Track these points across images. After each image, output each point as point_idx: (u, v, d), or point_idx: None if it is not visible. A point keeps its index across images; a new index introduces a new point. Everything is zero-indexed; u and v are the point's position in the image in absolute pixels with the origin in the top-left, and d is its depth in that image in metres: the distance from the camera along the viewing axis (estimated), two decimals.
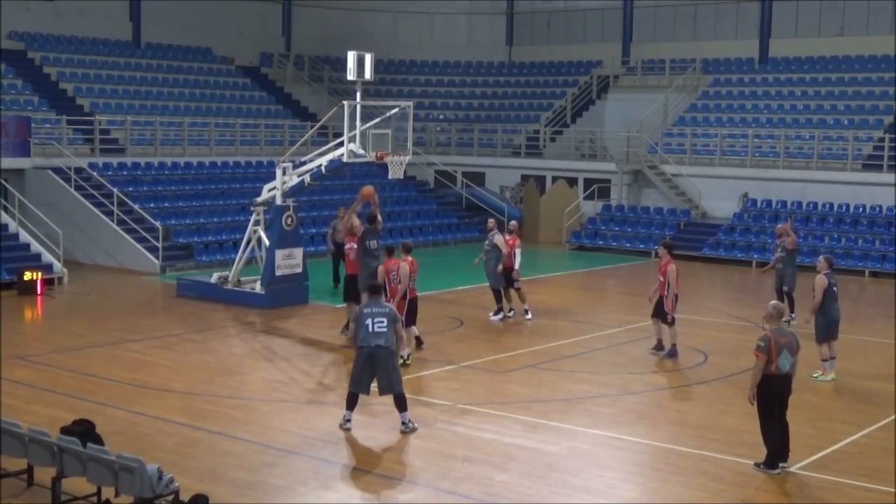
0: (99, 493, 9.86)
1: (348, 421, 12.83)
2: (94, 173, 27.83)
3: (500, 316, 20.21)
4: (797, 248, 21.31)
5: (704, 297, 24.35)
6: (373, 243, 17.96)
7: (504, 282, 20.25)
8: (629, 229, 32.50)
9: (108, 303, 21.96)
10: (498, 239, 20.19)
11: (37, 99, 30.99)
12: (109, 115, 31.60)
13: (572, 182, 35.01)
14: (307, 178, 21.31)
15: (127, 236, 26.30)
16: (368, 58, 20.30)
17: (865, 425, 13.53)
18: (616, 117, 37.81)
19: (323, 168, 21.12)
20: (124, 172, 29.18)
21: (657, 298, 17.38)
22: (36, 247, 24.42)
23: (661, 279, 17.30)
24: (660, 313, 17.35)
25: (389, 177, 20.65)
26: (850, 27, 36.61)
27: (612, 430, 13.15)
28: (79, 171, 27.46)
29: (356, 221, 18.18)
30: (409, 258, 16.55)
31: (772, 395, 11.46)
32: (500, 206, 34.00)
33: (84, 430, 10.44)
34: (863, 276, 27.76)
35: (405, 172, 21.37)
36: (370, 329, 12.54)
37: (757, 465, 11.64)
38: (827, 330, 15.91)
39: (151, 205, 27.84)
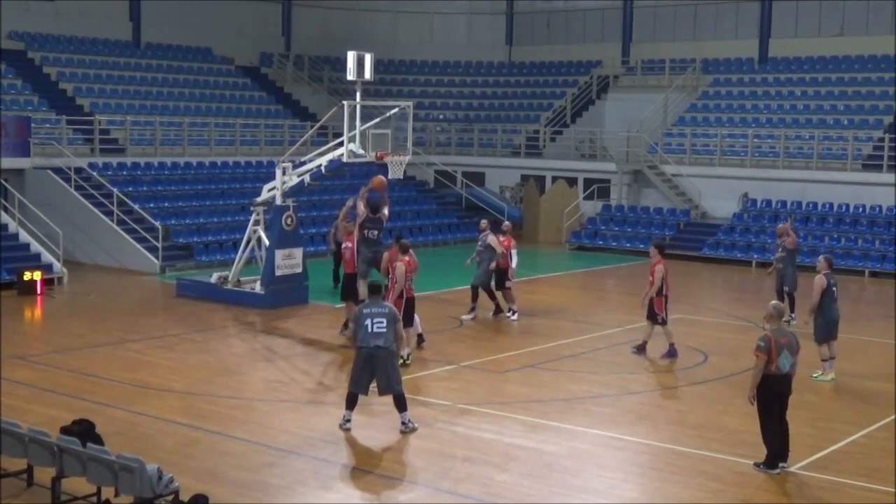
0: (99, 493, 9.86)
1: (348, 421, 12.83)
2: (94, 173, 27.82)
3: (473, 315, 20.16)
4: (797, 248, 21.32)
5: (704, 297, 24.36)
6: (374, 233, 17.99)
7: (492, 281, 20.22)
8: (629, 229, 32.50)
9: (108, 303, 21.96)
10: (491, 239, 20.20)
11: (37, 99, 30.99)
12: (109, 115, 31.60)
13: (572, 182, 35.00)
14: (307, 178, 21.32)
15: (127, 236, 26.30)
16: (368, 58, 20.30)
17: (865, 425, 13.53)
18: (616, 117, 37.80)
19: (323, 168, 21.12)
20: (124, 172, 29.18)
21: (649, 300, 17.37)
22: (36, 247, 24.42)
23: (651, 278, 17.32)
24: (651, 314, 17.36)
25: (389, 177, 20.66)
26: (850, 27, 36.61)
27: (612, 430, 13.15)
28: (79, 171, 27.45)
29: (361, 208, 18.25)
30: (406, 258, 16.54)
31: (772, 395, 11.46)
32: (499, 206, 34.02)
33: (84, 430, 10.44)
34: (863, 276, 27.76)
35: (405, 172, 21.37)
36: (369, 329, 12.53)
37: (757, 465, 11.64)
38: (826, 330, 15.92)
39: (151, 205, 27.84)
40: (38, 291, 22.20)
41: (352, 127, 20.01)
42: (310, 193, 28.51)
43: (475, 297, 20.29)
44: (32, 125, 27.71)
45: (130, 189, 28.16)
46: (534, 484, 11.15)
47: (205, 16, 38.59)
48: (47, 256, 24.18)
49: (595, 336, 19.19)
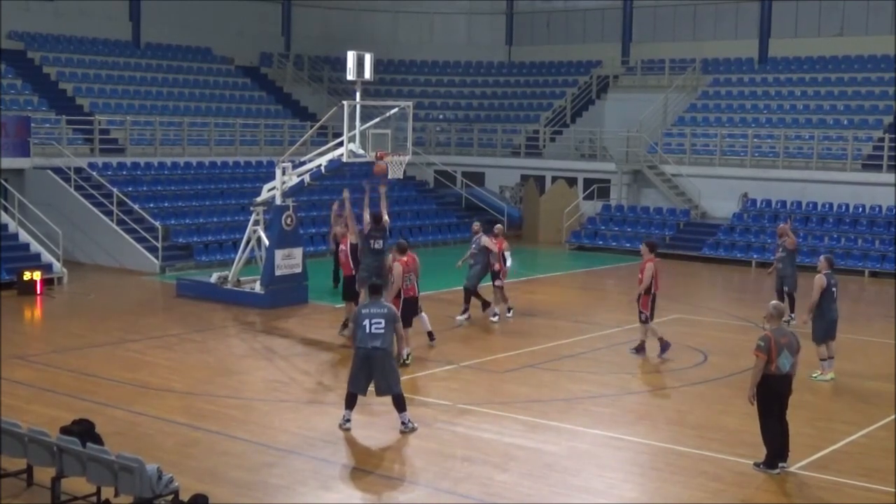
0: (99, 493, 9.86)
1: (348, 421, 12.83)
2: (94, 173, 27.82)
3: (466, 316, 20.14)
4: (797, 248, 21.33)
5: (704, 297, 24.36)
6: (378, 243, 17.97)
7: (488, 280, 20.26)
8: (629, 229, 32.50)
9: (108, 303, 21.96)
10: (486, 241, 20.22)
11: (37, 99, 30.99)
12: (109, 115, 31.60)
13: (572, 182, 35.00)
14: (307, 177, 21.32)
15: (127, 236, 26.29)
16: (368, 58, 20.29)
17: (865, 425, 13.53)
18: (616, 117, 37.80)
19: (323, 168, 21.13)
20: (124, 172, 29.18)
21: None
22: (36, 247, 24.42)
23: (640, 276, 17.34)
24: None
25: (389, 177, 20.66)
26: (850, 27, 36.61)
27: (612, 430, 13.15)
28: (78, 171, 27.45)
29: (353, 226, 18.29)
30: (404, 258, 16.53)
31: (772, 395, 11.46)
32: (499, 206, 34.02)
33: (84, 430, 10.44)
34: (862, 276, 27.76)
35: (405, 172, 21.37)
36: (367, 330, 12.54)
37: (757, 465, 11.64)
38: (825, 330, 15.92)
39: (151, 205, 27.84)
40: (38, 291, 22.20)
41: (352, 127, 20.01)
42: (310, 193, 28.52)
43: (468, 298, 20.31)
44: (32, 125, 27.71)
45: (130, 189, 28.16)
46: (534, 484, 11.15)
47: (205, 16, 38.59)
48: (47, 256, 24.18)
49: (595, 336, 19.19)
